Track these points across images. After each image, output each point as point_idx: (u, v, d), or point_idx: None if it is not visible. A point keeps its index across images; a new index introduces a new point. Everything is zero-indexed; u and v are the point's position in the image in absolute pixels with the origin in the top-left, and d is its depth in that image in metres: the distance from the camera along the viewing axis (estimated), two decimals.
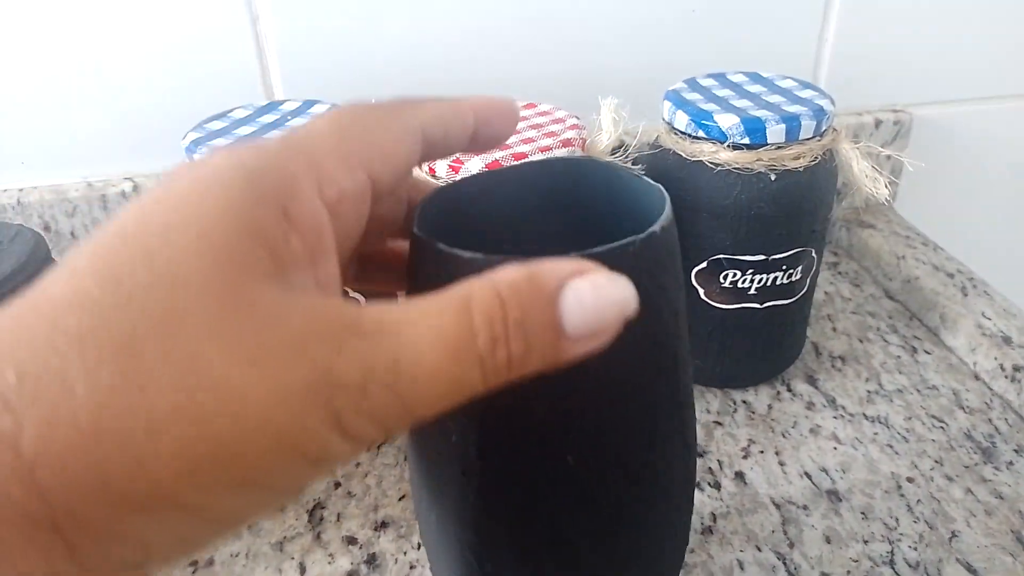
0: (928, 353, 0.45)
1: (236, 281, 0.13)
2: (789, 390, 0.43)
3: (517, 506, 0.21)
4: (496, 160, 0.34)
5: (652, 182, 0.22)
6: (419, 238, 0.20)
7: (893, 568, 0.32)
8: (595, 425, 0.20)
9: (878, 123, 0.55)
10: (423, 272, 0.20)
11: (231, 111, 0.40)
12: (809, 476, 0.37)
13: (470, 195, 0.24)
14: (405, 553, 0.33)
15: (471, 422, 0.20)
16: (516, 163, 0.27)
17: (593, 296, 0.15)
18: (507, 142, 0.36)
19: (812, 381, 0.43)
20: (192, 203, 0.14)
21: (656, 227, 0.19)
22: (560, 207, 0.25)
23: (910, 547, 0.33)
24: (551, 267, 0.15)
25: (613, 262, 0.17)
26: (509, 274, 0.15)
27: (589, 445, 0.20)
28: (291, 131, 0.17)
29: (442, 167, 0.34)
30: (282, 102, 0.41)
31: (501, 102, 0.20)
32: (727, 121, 0.36)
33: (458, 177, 0.34)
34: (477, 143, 0.20)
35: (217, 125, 0.38)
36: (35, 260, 0.30)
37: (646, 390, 0.21)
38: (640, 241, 0.19)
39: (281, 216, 0.15)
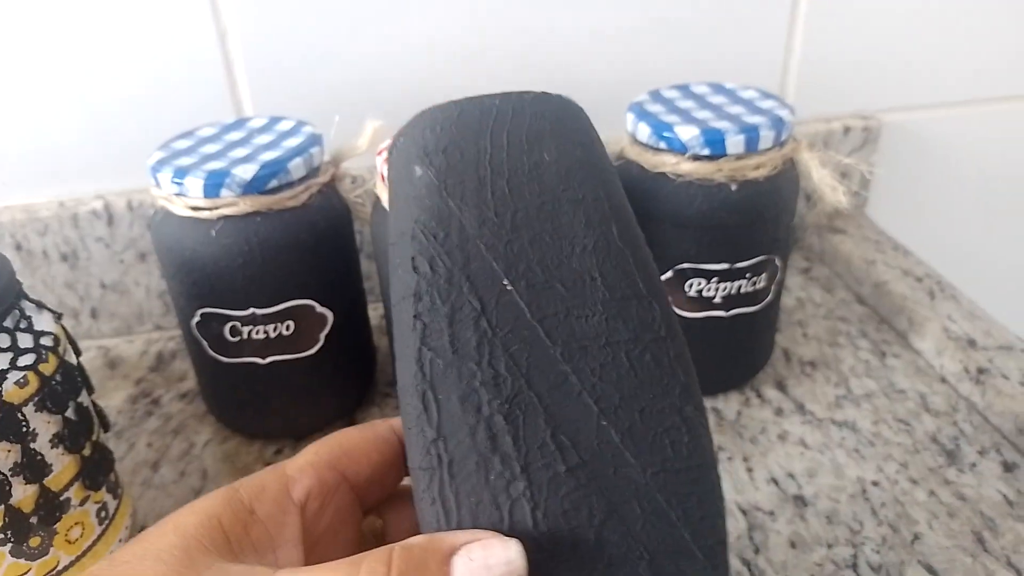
0: (897, 357, 0.46)
1: (194, 555, 0.19)
2: (758, 396, 0.43)
3: (459, 345, 0.21)
4: None
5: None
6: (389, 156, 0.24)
7: (856, 571, 0.33)
8: (527, 250, 0.22)
9: (847, 130, 0.56)
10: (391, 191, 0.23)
11: (197, 129, 0.40)
12: (776, 482, 0.37)
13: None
14: None
15: None
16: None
17: (483, 554, 0.18)
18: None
19: (781, 387, 0.44)
20: (183, 512, 0.20)
21: (553, 93, 0.25)
22: None
23: (873, 550, 0.34)
24: (452, 534, 0.18)
25: (509, 101, 0.24)
26: (413, 540, 0.18)
27: (523, 269, 0.22)
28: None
29: None
30: (249, 119, 0.41)
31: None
32: (687, 133, 0.37)
33: None
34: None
35: (183, 144, 0.38)
36: None
37: (573, 215, 0.22)
38: (534, 93, 0.24)
39: (246, 513, 0.20)
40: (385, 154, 0.36)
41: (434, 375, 0.20)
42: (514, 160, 0.22)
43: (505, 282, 0.20)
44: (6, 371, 0.29)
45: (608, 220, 0.22)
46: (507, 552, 0.18)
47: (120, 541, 0.35)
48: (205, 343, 0.38)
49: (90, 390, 0.34)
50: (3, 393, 0.29)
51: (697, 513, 0.19)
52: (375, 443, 0.23)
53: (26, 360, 0.30)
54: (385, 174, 0.37)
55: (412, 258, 0.21)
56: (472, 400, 0.19)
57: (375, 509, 0.25)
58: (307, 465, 0.22)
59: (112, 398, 0.45)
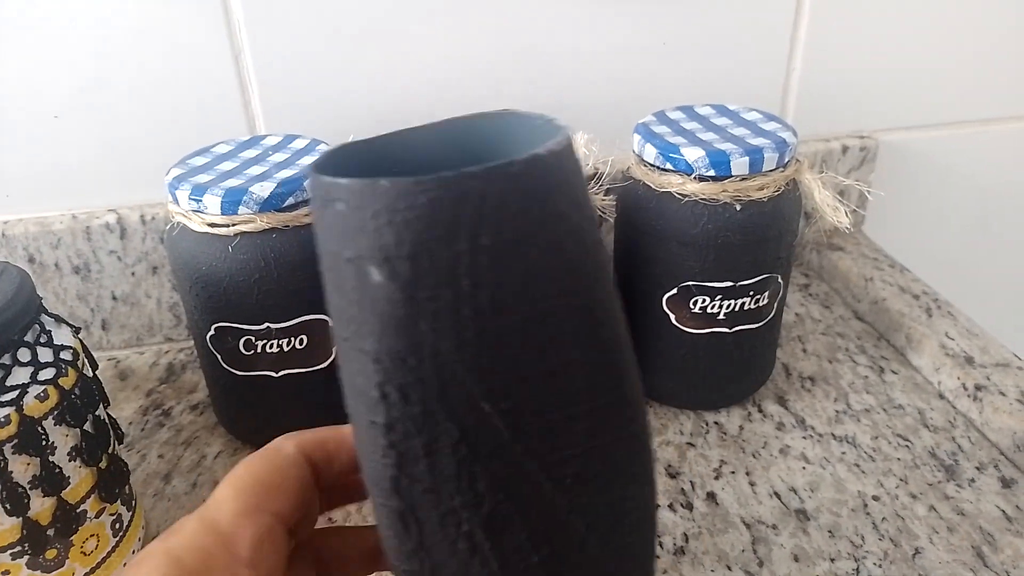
0: (895, 373, 0.47)
1: None
2: (760, 411, 0.44)
3: (437, 473, 0.20)
4: None
5: (555, 120, 0.21)
6: (313, 177, 0.19)
7: None
8: (509, 372, 0.19)
9: (845, 149, 0.57)
10: (314, 219, 0.20)
11: (214, 146, 0.41)
12: (778, 496, 0.38)
13: (372, 155, 0.22)
14: None
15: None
16: (421, 125, 0.24)
17: None
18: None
19: (782, 402, 0.45)
20: None
21: (542, 150, 0.18)
22: (465, 163, 0.22)
23: (875, 564, 0.34)
24: None
25: (493, 183, 0.17)
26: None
27: (505, 392, 0.19)
28: (203, 506, 0.21)
29: None
30: (264, 136, 0.42)
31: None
32: (693, 154, 0.38)
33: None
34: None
35: (200, 161, 0.39)
36: (20, 297, 0.31)
37: (560, 332, 0.19)
38: (522, 162, 0.17)
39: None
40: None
41: (413, 498, 0.19)
42: (497, 266, 0.18)
43: (485, 405, 0.19)
44: (27, 385, 0.30)
45: (597, 327, 0.20)
46: None
47: (133, 552, 0.35)
48: (219, 356, 0.38)
49: (106, 403, 0.35)
50: (24, 407, 0.29)
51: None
52: (290, 472, 0.22)
53: (46, 374, 0.31)
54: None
55: (379, 384, 0.19)
56: (451, 520, 0.19)
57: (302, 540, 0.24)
58: (240, 517, 0.20)
59: (123, 409, 0.46)
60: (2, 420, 0.28)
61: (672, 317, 0.41)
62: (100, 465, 0.33)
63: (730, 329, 0.41)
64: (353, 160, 0.21)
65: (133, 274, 0.49)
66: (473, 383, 0.18)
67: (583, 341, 0.19)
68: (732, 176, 0.38)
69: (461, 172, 0.17)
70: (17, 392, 0.29)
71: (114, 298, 0.50)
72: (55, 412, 0.30)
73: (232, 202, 0.35)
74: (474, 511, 0.19)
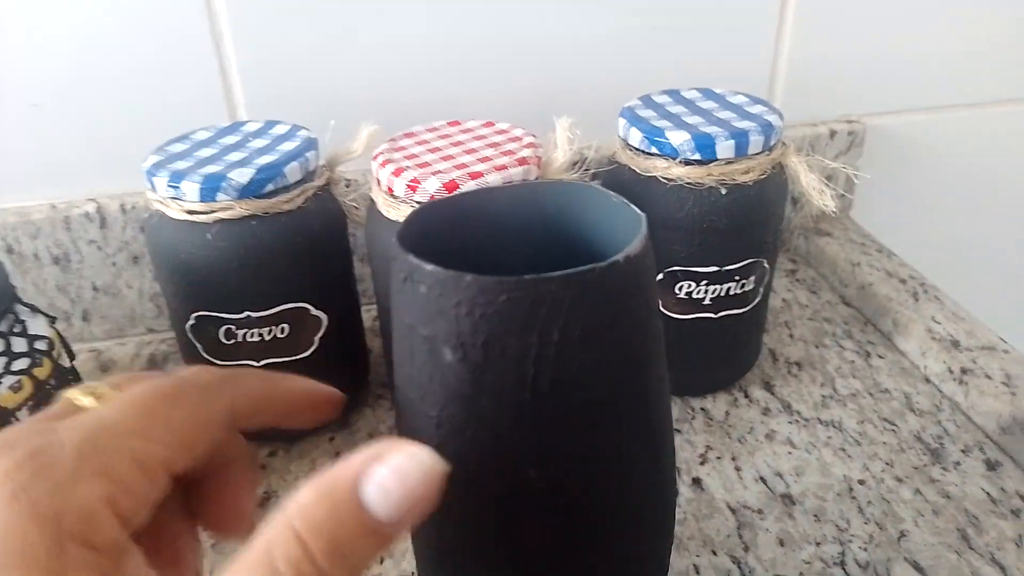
0: (881, 357, 0.47)
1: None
2: (746, 396, 0.44)
3: (479, 524, 0.21)
4: (453, 180, 0.34)
5: (633, 208, 0.22)
6: (399, 253, 0.20)
7: (844, 569, 0.33)
8: (559, 444, 0.20)
9: (833, 133, 0.57)
10: (396, 285, 0.21)
11: (193, 133, 0.40)
12: (764, 481, 0.38)
13: (452, 216, 0.24)
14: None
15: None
16: (501, 186, 0.27)
17: (395, 479, 0.16)
18: (463, 160, 0.36)
19: (769, 387, 0.45)
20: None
21: (621, 256, 0.19)
22: (544, 231, 0.25)
23: (860, 548, 0.34)
24: (343, 469, 0.16)
25: (571, 288, 0.18)
26: (302, 498, 0.15)
27: (552, 461, 0.20)
28: (88, 431, 0.16)
29: (433, 184, 0.34)
30: (244, 123, 0.41)
31: (321, 394, 0.22)
32: (678, 138, 0.37)
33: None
34: (290, 424, 0.21)
35: (179, 148, 0.38)
36: None
37: (614, 414, 0.21)
38: (601, 270, 0.19)
39: (86, 551, 0.15)
40: (380, 173, 0.36)
41: None
42: (563, 358, 0.19)
43: (531, 471, 0.20)
44: (0, 376, 0.30)
45: (645, 410, 0.21)
46: (415, 458, 0.16)
47: None
48: (200, 346, 0.38)
49: None
50: None
51: None
52: (205, 425, 0.18)
53: (20, 364, 0.30)
54: (375, 196, 0.37)
55: (438, 446, 0.18)
56: None
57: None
58: (138, 467, 0.17)
59: None
60: None
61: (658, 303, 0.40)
62: None
63: (716, 314, 0.40)
64: (435, 220, 0.23)
65: (114, 264, 0.49)
66: (522, 455, 0.20)
67: (632, 420, 0.21)
68: (717, 160, 0.37)
69: (541, 277, 0.18)
70: None
71: (95, 289, 0.49)
72: (30, 403, 0.30)
73: (211, 188, 0.34)
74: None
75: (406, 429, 0.21)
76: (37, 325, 0.32)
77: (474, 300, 0.19)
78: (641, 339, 0.21)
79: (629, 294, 0.20)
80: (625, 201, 0.23)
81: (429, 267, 0.19)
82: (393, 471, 0.16)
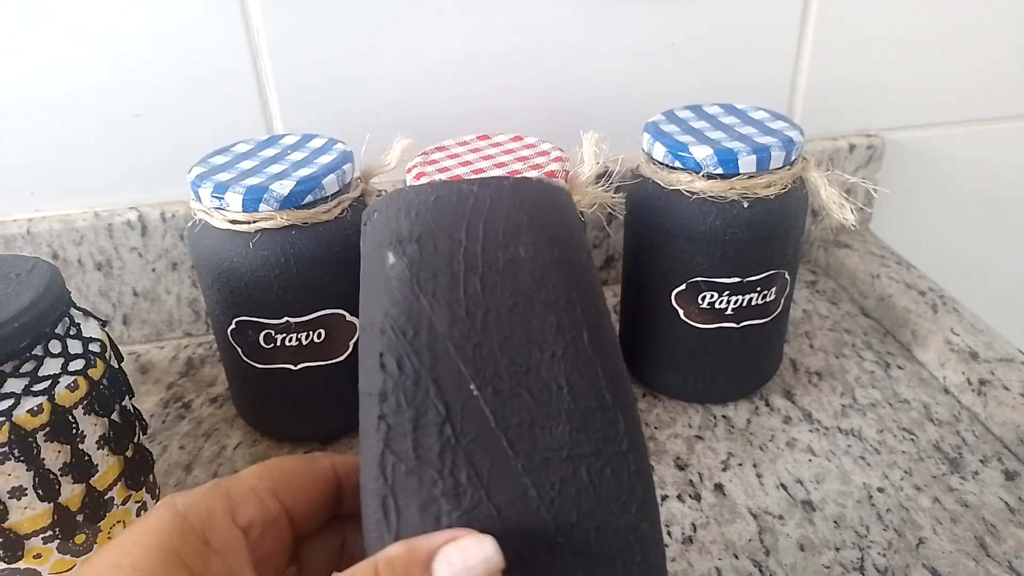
0: (901, 368, 0.48)
1: None
2: (767, 405, 0.45)
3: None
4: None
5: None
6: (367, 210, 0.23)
7: (863, 573, 0.34)
8: (492, 351, 0.21)
9: (852, 147, 0.57)
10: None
11: (234, 145, 0.42)
12: (785, 487, 0.39)
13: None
14: None
15: None
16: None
17: (461, 556, 0.18)
18: (493, 173, 0.38)
19: (789, 396, 0.45)
20: (131, 543, 0.20)
21: (534, 177, 0.22)
22: None
23: (879, 554, 0.35)
24: (427, 538, 0.19)
25: (489, 190, 0.22)
26: (390, 550, 0.19)
27: (490, 363, 0.21)
28: (226, 476, 0.23)
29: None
30: (282, 136, 0.43)
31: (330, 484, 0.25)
32: (701, 152, 0.38)
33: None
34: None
35: (221, 160, 0.40)
36: (51, 292, 0.32)
37: (542, 323, 0.21)
38: (514, 178, 0.23)
39: (201, 544, 0.20)
40: (407, 177, 0.37)
41: (395, 480, 0.20)
42: (489, 255, 0.21)
43: (472, 387, 0.20)
44: (58, 375, 0.31)
45: (579, 326, 0.21)
46: (483, 550, 0.18)
47: None
48: (240, 350, 0.39)
49: (131, 394, 0.36)
50: (56, 396, 0.30)
51: None
52: (316, 477, 0.23)
53: (76, 365, 0.32)
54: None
55: (380, 354, 0.20)
56: (432, 510, 0.20)
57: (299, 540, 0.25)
58: (251, 491, 0.22)
59: (144, 402, 0.47)
60: (35, 409, 0.30)
61: (681, 312, 0.41)
62: (126, 454, 0.34)
63: (738, 324, 0.41)
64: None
65: (154, 270, 0.51)
66: (462, 361, 0.20)
67: (564, 338, 0.21)
68: (740, 174, 0.38)
69: (464, 179, 0.22)
70: (49, 382, 0.31)
71: (135, 294, 0.51)
72: (84, 401, 0.32)
73: (253, 199, 0.36)
74: (455, 503, 0.20)
75: (360, 360, 0.22)
76: (90, 328, 0.34)
77: (411, 202, 0.22)
78: (563, 250, 0.22)
79: (547, 208, 0.22)
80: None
81: (383, 197, 0.22)
82: (460, 549, 0.19)
